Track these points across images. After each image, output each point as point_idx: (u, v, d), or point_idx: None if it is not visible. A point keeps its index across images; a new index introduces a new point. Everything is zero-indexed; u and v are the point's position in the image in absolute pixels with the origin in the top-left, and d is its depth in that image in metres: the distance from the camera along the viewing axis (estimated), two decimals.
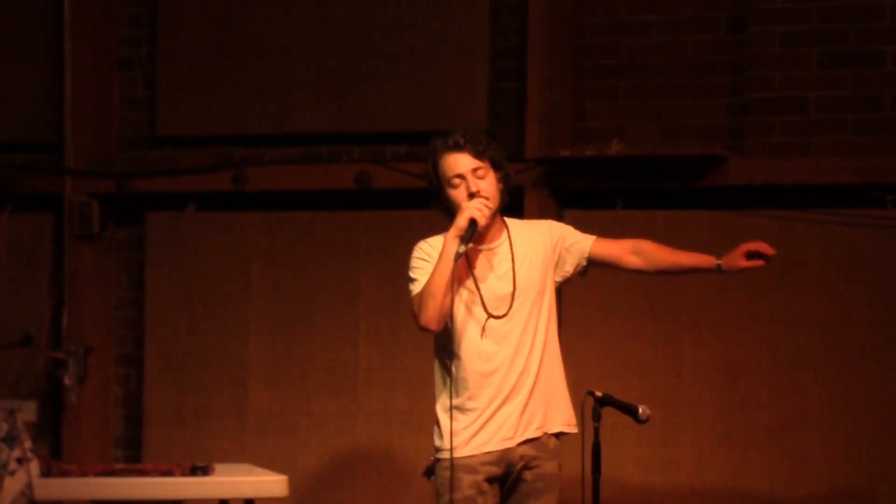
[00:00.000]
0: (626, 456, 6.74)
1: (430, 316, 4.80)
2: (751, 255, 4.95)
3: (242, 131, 7.42)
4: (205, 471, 5.78)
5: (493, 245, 4.96)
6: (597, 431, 4.85)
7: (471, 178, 4.88)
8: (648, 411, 4.88)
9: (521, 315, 4.92)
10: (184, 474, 5.78)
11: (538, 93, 6.93)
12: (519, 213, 6.77)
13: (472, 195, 4.85)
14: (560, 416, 4.98)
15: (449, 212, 4.91)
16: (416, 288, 4.88)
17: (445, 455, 4.86)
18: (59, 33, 7.50)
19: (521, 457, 4.92)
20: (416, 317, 4.85)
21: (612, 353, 6.84)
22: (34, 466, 5.52)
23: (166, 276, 7.44)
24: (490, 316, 4.89)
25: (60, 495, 5.77)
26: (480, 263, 4.93)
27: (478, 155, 4.90)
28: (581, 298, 6.81)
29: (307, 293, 7.27)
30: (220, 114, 7.43)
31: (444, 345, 4.93)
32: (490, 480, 4.90)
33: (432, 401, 4.97)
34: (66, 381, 7.33)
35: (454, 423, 4.85)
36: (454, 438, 4.83)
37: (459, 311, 4.88)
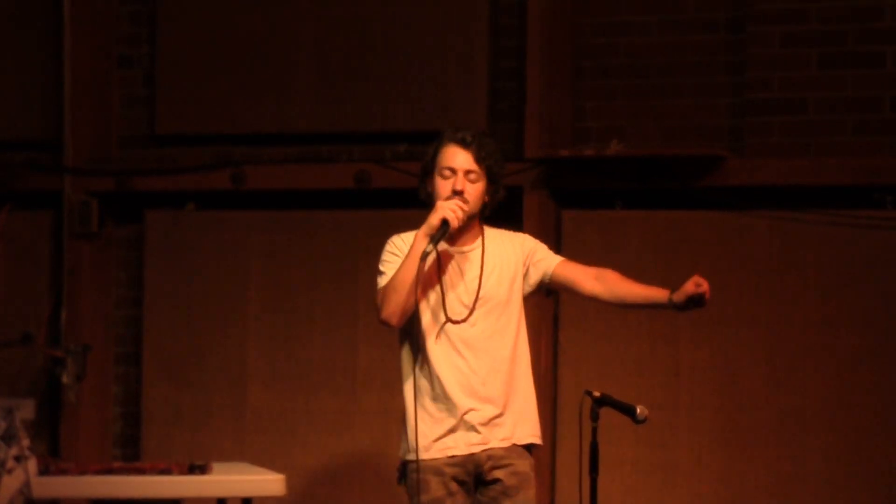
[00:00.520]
0: (623, 456, 6.74)
1: (392, 311, 4.81)
2: (695, 297, 4.87)
3: (242, 130, 7.42)
4: (203, 469, 5.78)
5: (465, 249, 4.95)
6: (594, 431, 4.85)
7: (461, 176, 4.87)
8: (646, 411, 4.88)
9: (485, 323, 4.91)
10: (182, 473, 5.77)
11: (537, 92, 6.93)
12: (518, 213, 6.78)
13: (455, 192, 4.85)
14: (528, 429, 4.98)
15: (429, 198, 4.92)
16: (382, 281, 4.89)
17: (412, 457, 4.87)
18: (58, 31, 7.50)
19: (489, 457, 4.90)
20: (378, 309, 4.85)
21: (611, 353, 6.84)
22: (32, 464, 5.51)
23: (165, 275, 7.44)
24: (448, 320, 4.88)
25: (58, 493, 5.77)
26: (451, 266, 4.92)
27: (478, 159, 4.89)
28: (578, 298, 6.79)
29: (306, 292, 7.27)
30: (219, 113, 7.43)
31: (409, 343, 4.94)
32: (458, 481, 4.89)
33: None
34: (65, 379, 7.32)
35: (420, 423, 4.85)
36: (420, 439, 4.84)
37: (426, 313, 4.88)
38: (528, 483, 4.94)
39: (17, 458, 5.46)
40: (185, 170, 7.39)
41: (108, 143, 7.59)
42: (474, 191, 4.88)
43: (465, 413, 4.88)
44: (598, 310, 6.85)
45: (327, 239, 7.26)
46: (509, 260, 4.99)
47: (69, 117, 7.45)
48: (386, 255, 4.96)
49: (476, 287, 4.91)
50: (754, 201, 6.76)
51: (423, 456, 4.85)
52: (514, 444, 4.94)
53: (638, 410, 4.87)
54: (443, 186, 4.88)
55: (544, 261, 5.03)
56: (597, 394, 4.89)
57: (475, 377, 4.88)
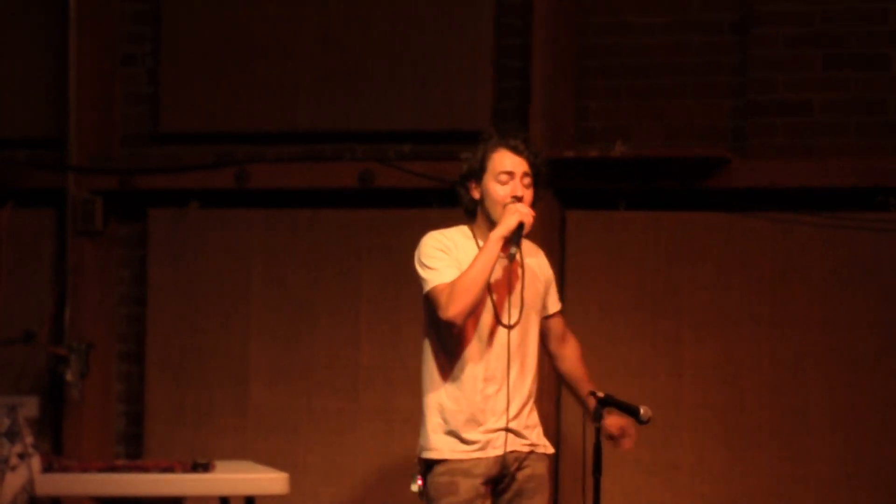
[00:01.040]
0: (626, 456, 6.72)
1: (461, 310, 4.74)
2: (611, 437, 4.94)
3: (245, 129, 7.42)
4: (205, 467, 5.79)
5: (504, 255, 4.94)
6: (598, 432, 4.86)
7: (518, 181, 4.87)
8: (650, 412, 4.88)
9: (523, 329, 4.94)
10: (185, 471, 5.78)
11: (541, 92, 6.93)
12: None
13: (516, 198, 4.85)
14: (544, 439, 5.03)
15: (472, 202, 4.91)
16: (433, 277, 4.81)
17: (434, 455, 4.86)
18: (62, 29, 7.50)
19: (516, 458, 4.91)
20: (441, 308, 4.75)
21: (613, 353, 6.84)
22: (35, 462, 5.53)
23: (168, 273, 7.44)
24: (499, 324, 4.88)
25: (61, 491, 5.78)
26: (499, 271, 4.91)
27: (532, 166, 4.91)
28: (581, 298, 6.82)
29: (309, 291, 7.27)
30: (223, 111, 7.42)
31: (444, 343, 4.90)
32: (486, 482, 4.88)
33: None
34: (68, 377, 7.32)
35: (449, 423, 4.86)
36: (448, 440, 4.84)
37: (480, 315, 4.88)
38: (544, 487, 4.98)
39: (21, 456, 5.48)
40: (189, 168, 7.39)
41: (112, 141, 7.59)
42: (530, 196, 4.90)
43: (498, 415, 4.88)
44: (601, 310, 6.87)
45: (331, 238, 7.26)
46: (540, 277, 5.04)
47: (73, 115, 7.45)
48: (431, 251, 4.86)
49: (520, 293, 4.94)
50: (758, 203, 6.76)
51: (450, 457, 4.84)
52: (536, 450, 4.96)
53: (642, 411, 4.87)
54: (501, 191, 4.87)
55: (552, 300, 5.12)
56: (601, 394, 4.89)
57: (511, 380, 4.88)
